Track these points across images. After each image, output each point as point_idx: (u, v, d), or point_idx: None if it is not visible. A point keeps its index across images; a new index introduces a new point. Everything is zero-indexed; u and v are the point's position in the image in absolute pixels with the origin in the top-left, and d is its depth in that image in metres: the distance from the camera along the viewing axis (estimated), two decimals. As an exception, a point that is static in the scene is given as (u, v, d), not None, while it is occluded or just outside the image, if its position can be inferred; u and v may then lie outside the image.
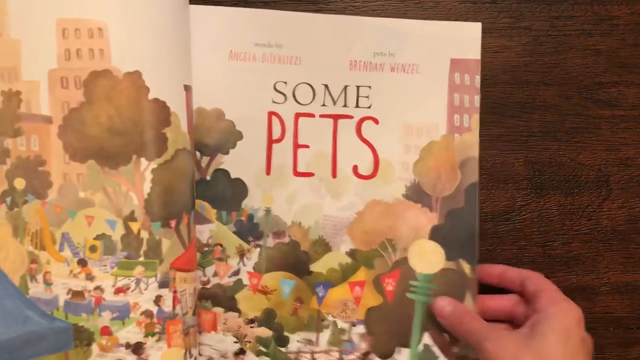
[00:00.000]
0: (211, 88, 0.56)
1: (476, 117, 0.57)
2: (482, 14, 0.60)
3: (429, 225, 0.57)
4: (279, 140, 0.57)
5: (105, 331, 0.48)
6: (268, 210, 0.57)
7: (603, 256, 0.61)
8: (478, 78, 0.58)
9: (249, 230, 0.57)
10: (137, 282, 0.48)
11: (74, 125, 0.47)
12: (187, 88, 0.52)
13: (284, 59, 0.57)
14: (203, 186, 0.56)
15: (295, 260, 0.57)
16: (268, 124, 0.57)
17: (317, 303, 0.57)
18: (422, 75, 0.58)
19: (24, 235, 0.48)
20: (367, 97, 0.57)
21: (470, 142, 0.57)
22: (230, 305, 0.56)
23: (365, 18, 0.58)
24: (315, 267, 0.57)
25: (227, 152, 0.57)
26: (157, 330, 0.48)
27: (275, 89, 0.57)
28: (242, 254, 0.57)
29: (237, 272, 0.57)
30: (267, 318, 0.56)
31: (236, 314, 0.56)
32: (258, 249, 0.57)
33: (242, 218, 0.57)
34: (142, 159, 0.48)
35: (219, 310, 0.56)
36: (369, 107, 0.57)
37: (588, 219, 0.61)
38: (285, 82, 0.57)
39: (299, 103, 0.57)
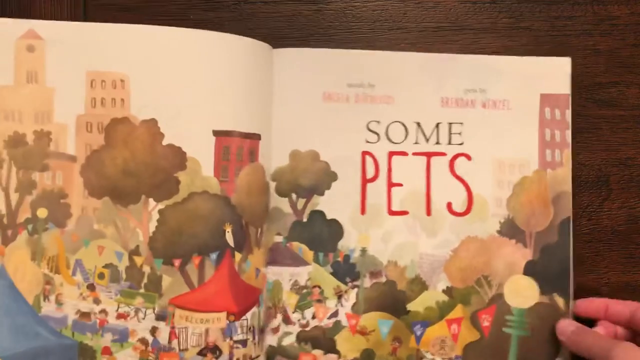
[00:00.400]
0: (306, 130, 0.56)
1: (567, 152, 0.58)
2: (482, 14, 0.60)
3: (524, 261, 0.57)
4: (373, 180, 0.57)
5: (106, 351, 0.52)
6: (364, 251, 0.57)
7: (603, 256, 0.61)
8: (568, 113, 0.58)
9: (346, 271, 0.57)
10: (137, 310, 0.53)
11: (94, 165, 0.53)
12: (225, 133, 0.54)
13: (376, 98, 0.57)
14: (300, 228, 0.56)
15: (392, 299, 0.57)
16: (362, 163, 0.57)
17: (416, 342, 0.57)
18: (513, 111, 0.58)
19: (41, 259, 0.52)
20: (460, 133, 0.57)
21: (562, 177, 0.58)
22: (330, 347, 0.56)
23: (455, 55, 0.58)
24: (412, 306, 0.57)
25: (322, 193, 0.57)
26: (150, 358, 0.52)
27: (368, 128, 0.57)
28: (340, 295, 0.57)
29: (335, 314, 0.56)
30: (367, 359, 0.56)
31: (335, 356, 0.56)
32: (355, 290, 0.57)
33: (339, 259, 0.57)
34: (151, 200, 0.53)
35: (318, 352, 0.56)
36: (462, 144, 0.57)
37: (588, 219, 0.61)
38: (378, 122, 0.57)
39: (392, 142, 0.57)
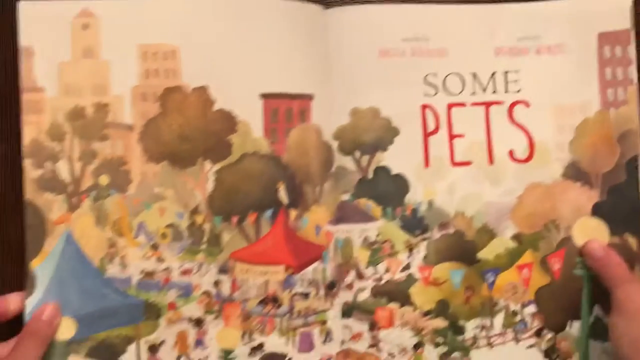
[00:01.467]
0: (364, 87, 0.57)
1: (632, 89, 0.57)
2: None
3: (590, 203, 0.57)
4: (434, 132, 0.57)
5: (171, 306, 0.55)
6: (431, 203, 0.57)
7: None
8: (631, 48, 0.57)
9: (414, 224, 0.57)
10: (200, 266, 0.55)
11: (151, 132, 0.55)
12: (272, 95, 0.56)
13: (432, 51, 0.57)
14: (365, 185, 0.57)
15: (462, 249, 0.57)
16: (422, 117, 0.57)
17: (488, 289, 0.57)
18: (569, 54, 0.58)
19: (105, 224, 0.55)
20: (516, 81, 0.58)
21: (628, 114, 0.57)
22: (405, 300, 0.57)
23: (507, 5, 0.58)
24: (482, 254, 0.57)
25: (385, 149, 0.57)
26: (215, 309, 0.55)
27: (426, 81, 0.57)
28: (410, 249, 0.57)
29: (407, 267, 0.57)
30: (442, 309, 0.57)
31: (411, 308, 0.57)
32: (425, 242, 0.57)
33: (407, 213, 0.57)
34: (207, 162, 0.55)
35: (394, 306, 0.57)
36: (519, 91, 0.58)
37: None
38: (435, 74, 0.57)
39: (450, 94, 0.58)
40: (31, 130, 0.54)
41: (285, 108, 0.56)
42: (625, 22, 0.57)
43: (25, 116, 0.54)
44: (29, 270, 0.53)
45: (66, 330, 0.53)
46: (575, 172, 0.58)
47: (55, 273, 0.54)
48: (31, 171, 0.54)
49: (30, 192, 0.54)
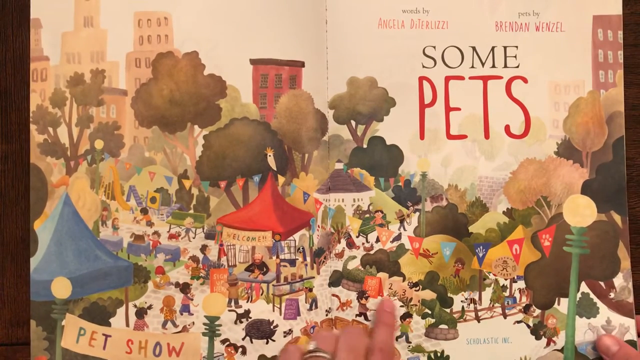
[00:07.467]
0: (363, 57, 0.57)
1: (620, 73, 0.58)
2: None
3: (581, 181, 0.58)
4: (430, 105, 0.58)
5: (159, 270, 0.56)
6: (424, 175, 0.57)
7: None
8: (620, 33, 0.58)
9: (407, 196, 0.57)
10: (187, 230, 0.56)
11: (143, 97, 0.57)
12: (262, 61, 0.57)
13: (431, 23, 0.57)
14: (360, 154, 0.57)
15: (454, 222, 0.57)
16: (419, 89, 0.57)
17: (478, 263, 0.58)
18: (567, 33, 0.58)
19: (99, 187, 0.56)
20: (515, 56, 0.58)
21: (615, 97, 0.58)
22: (394, 270, 0.57)
23: (508, -22, 0.58)
24: (473, 228, 0.57)
25: (381, 119, 0.57)
26: (202, 274, 0.56)
27: (424, 53, 0.57)
28: (402, 219, 0.57)
29: (398, 237, 0.57)
30: (431, 281, 0.57)
31: (400, 279, 0.57)
32: (417, 214, 0.58)
33: (400, 184, 0.57)
34: (196, 126, 0.56)
35: (383, 275, 0.57)
36: (517, 67, 0.58)
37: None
38: (434, 47, 0.58)
39: (448, 66, 0.58)
40: (37, 97, 0.57)
41: (274, 74, 0.57)
42: (616, 7, 0.58)
43: (32, 84, 0.57)
44: (32, 230, 0.55)
45: (63, 290, 0.55)
46: (567, 150, 0.58)
47: (55, 234, 0.56)
48: (36, 136, 0.56)
49: (34, 157, 0.56)
